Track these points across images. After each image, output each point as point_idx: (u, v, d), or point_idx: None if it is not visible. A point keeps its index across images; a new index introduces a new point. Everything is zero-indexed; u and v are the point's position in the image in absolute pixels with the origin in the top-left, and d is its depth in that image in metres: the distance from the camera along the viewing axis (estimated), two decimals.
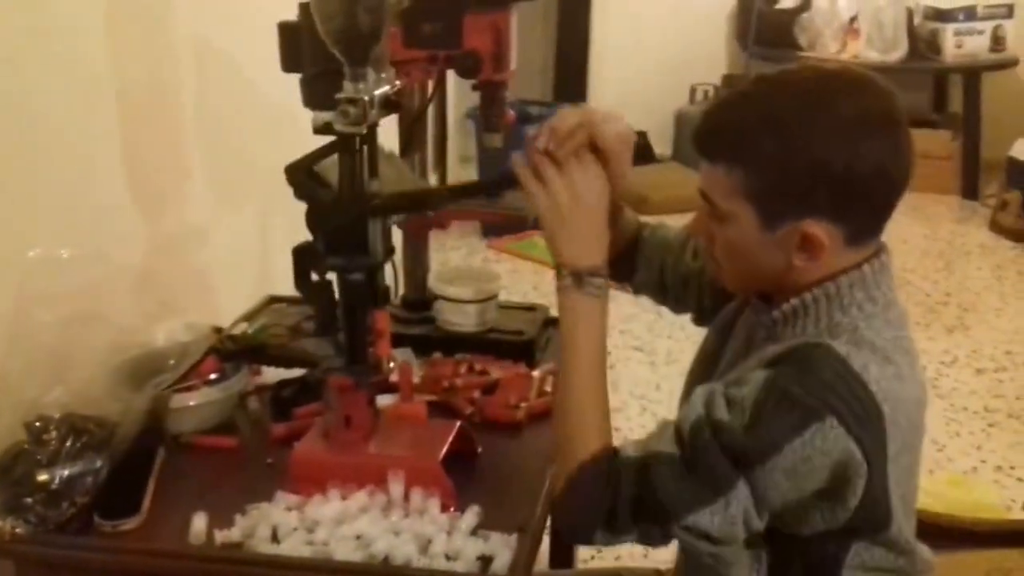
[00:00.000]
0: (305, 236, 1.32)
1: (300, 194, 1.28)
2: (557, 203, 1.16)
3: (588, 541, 1.15)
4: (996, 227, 4.76)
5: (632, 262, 1.42)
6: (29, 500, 1.23)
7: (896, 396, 1.05)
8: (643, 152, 5.10)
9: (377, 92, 1.23)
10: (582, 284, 1.15)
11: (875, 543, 1.12)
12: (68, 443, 1.29)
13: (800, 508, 1.07)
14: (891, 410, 1.04)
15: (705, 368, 1.29)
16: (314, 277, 1.30)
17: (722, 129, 1.11)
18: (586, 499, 1.10)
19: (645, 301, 1.47)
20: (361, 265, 1.27)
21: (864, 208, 1.08)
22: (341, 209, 1.26)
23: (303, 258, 1.30)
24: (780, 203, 1.07)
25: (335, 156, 1.27)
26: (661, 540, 1.10)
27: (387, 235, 1.33)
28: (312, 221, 1.27)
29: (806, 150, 1.04)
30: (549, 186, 1.16)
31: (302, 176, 1.27)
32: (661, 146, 5.37)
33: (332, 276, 1.30)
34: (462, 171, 4.99)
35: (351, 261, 1.27)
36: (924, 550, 1.19)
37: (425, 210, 1.39)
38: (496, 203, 1.74)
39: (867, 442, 1.03)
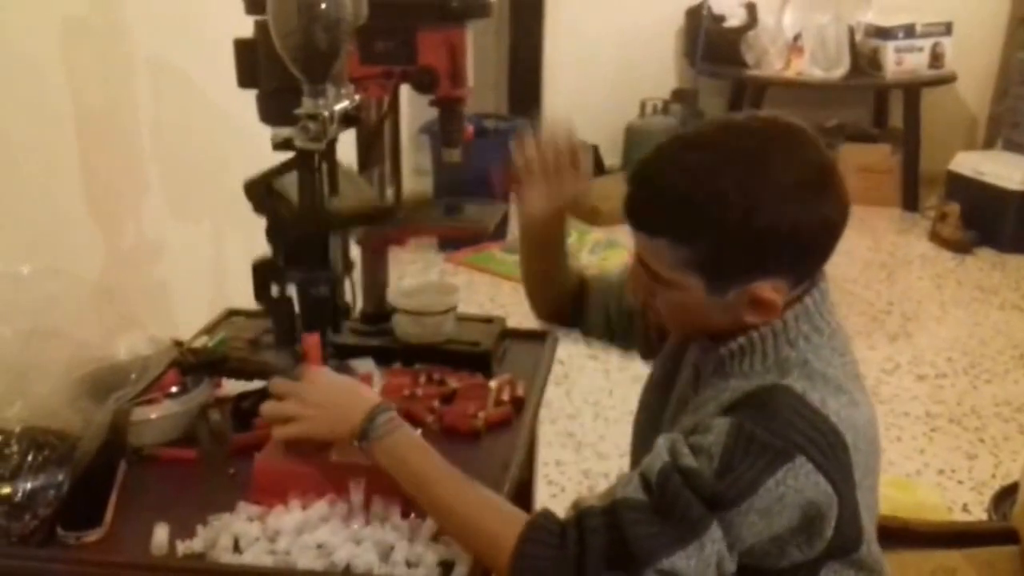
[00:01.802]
0: (262, 249, 1.33)
1: (259, 209, 1.29)
2: (312, 413, 1.23)
3: None
4: (936, 238, 4.87)
5: (580, 309, 1.48)
6: None
7: (855, 424, 1.07)
8: (594, 164, 5.17)
9: (337, 107, 1.25)
10: (371, 436, 1.19)
11: (845, 564, 1.14)
12: (30, 457, 1.29)
13: (776, 545, 1.08)
14: (853, 438, 1.06)
15: (658, 398, 1.30)
16: (274, 291, 1.31)
17: (661, 204, 1.08)
18: (543, 563, 1.07)
19: None
20: (322, 279, 1.28)
21: (809, 258, 1.11)
22: (302, 223, 1.27)
23: (263, 272, 1.31)
24: (729, 272, 1.08)
25: (295, 173, 1.29)
26: None
27: (346, 250, 1.35)
28: (272, 235, 1.28)
29: (752, 220, 1.03)
30: (294, 412, 1.23)
31: (261, 191, 1.28)
32: (611, 158, 5.45)
33: (292, 291, 1.31)
34: (417, 184, 5.01)
35: (312, 275, 1.28)
36: (886, 568, 1.21)
37: (381, 223, 1.40)
38: (453, 218, 1.77)
39: (835, 474, 1.04)
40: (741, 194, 1.03)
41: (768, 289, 1.08)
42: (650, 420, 1.31)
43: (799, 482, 1.02)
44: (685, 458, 1.05)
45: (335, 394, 1.24)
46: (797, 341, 1.11)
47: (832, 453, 1.04)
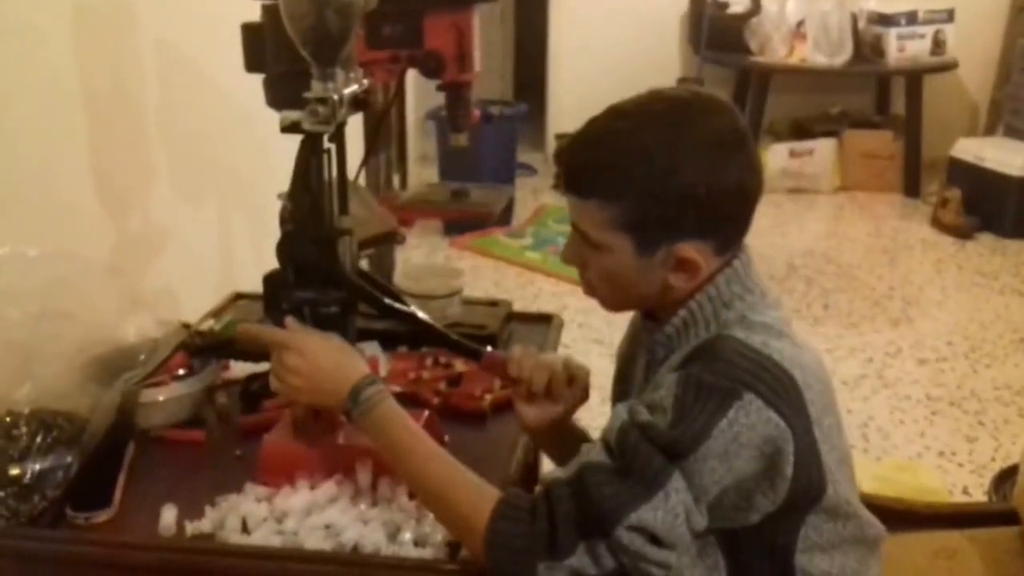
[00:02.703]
0: (269, 232, 1.33)
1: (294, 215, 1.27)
2: (298, 377, 1.21)
3: None
4: (937, 224, 4.88)
5: None
6: (1, 494, 1.24)
7: (800, 362, 1.11)
8: None
9: (346, 91, 1.25)
10: (356, 412, 1.19)
11: (819, 515, 1.15)
12: (39, 438, 1.30)
13: (741, 495, 1.10)
14: (802, 375, 1.10)
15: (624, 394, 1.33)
16: (284, 307, 1.28)
17: (592, 166, 1.15)
18: (515, 539, 1.09)
19: None
20: (333, 299, 1.27)
21: (729, 222, 1.16)
22: (309, 245, 1.25)
23: (274, 287, 1.30)
24: (654, 230, 1.13)
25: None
26: (609, 559, 1.07)
27: (355, 265, 1.32)
28: (281, 252, 1.27)
29: (673, 178, 1.10)
30: (283, 372, 1.22)
31: (306, 199, 1.25)
32: None
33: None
34: (422, 170, 5.01)
35: (322, 294, 1.27)
36: (866, 513, 1.22)
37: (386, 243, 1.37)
38: (459, 201, 1.78)
39: (786, 410, 1.06)
40: (663, 153, 1.11)
41: (691, 250, 1.13)
42: None
43: (751, 419, 1.05)
44: (641, 415, 1.09)
45: (321, 366, 1.22)
46: (732, 302, 1.16)
47: (781, 388, 1.07)
